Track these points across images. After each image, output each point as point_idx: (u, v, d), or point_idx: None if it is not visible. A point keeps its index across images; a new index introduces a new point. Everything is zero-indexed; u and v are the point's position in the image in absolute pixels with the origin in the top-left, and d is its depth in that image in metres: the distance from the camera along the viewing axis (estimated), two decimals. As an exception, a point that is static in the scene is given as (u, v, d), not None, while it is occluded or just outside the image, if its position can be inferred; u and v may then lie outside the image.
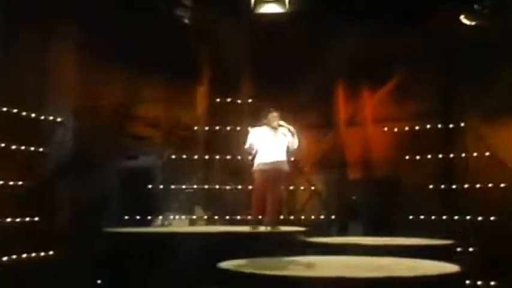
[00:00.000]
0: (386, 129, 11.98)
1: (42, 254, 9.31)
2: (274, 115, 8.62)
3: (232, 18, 10.71)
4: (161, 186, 11.22)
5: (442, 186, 11.35)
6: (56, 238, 9.47)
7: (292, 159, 9.49)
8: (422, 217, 11.15)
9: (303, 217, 11.68)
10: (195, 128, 11.91)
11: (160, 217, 10.12)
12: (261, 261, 6.54)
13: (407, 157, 11.57)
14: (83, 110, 10.25)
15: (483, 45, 10.54)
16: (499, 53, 10.48)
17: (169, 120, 11.71)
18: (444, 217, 10.99)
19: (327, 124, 12.39)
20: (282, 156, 8.54)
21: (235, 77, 11.78)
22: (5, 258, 8.67)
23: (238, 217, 11.01)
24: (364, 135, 12.23)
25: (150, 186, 11.16)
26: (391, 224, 11.05)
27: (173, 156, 11.44)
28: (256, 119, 9.07)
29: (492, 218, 10.63)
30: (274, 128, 8.59)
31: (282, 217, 9.12)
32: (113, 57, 10.26)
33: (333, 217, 11.84)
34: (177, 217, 10.27)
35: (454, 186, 11.25)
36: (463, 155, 11.21)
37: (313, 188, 12.17)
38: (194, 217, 10.85)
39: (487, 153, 10.93)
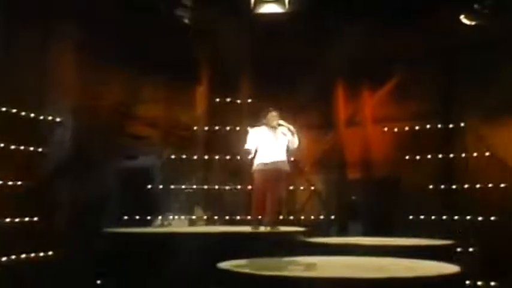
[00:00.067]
0: (386, 129, 11.98)
1: (42, 254, 9.31)
2: (273, 114, 8.60)
3: (232, 18, 10.71)
4: (161, 186, 11.21)
5: (442, 186, 11.34)
6: (55, 238, 9.46)
7: (292, 159, 9.47)
8: (422, 217, 11.14)
9: (302, 217, 11.67)
10: (195, 128, 11.90)
11: (160, 217, 10.10)
12: (260, 261, 6.54)
13: (407, 157, 11.57)
14: (83, 109, 10.24)
15: (483, 45, 10.53)
16: (499, 53, 10.47)
17: (168, 120, 11.70)
18: (444, 217, 10.98)
19: (327, 124, 12.38)
20: (282, 156, 8.52)
21: (234, 76, 11.77)
22: (4, 259, 8.66)
23: (238, 217, 11.00)
24: (364, 135, 12.22)
25: (149, 186, 11.15)
26: (391, 224, 11.04)
27: (173, 156, 11.43)
28: (256, 118, 9.05)
29: (492, 218, 10.62)
30: (274, 128, 8.57)
31: (281, 217, 9.10)
32: (113, 57, 10.25)
33: (333, 217, 11.83)
34: (176, 217, 10.26)
35: (454, 186, 11.24)
36: (463, 155, 11.20)
37: (312, 188, 12.16)
38: (194, 217, 10.84)
39: (487, 153, 10.93)
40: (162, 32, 10.49)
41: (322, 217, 11.87)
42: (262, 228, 8.43)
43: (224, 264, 6.03)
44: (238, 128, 11.51)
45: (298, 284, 5.39)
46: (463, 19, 10.50)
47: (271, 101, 9.74)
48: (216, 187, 11.66)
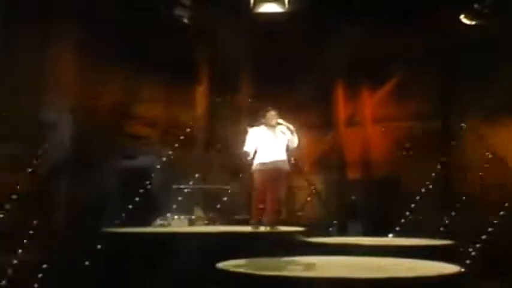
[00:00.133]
0: (385, 129, 11.96)
1: (41, 254, 9.30)
2: (272, 114, 8.55)
3: (231, 17, 10.70)
4: (160, 186, 11.19)
5: (442, 186, 11.33)
6: (54, 238, 9.46)
7: (292, 158, 9.45)
8: (422, 217, 11.12)
9: (302, 217, 11.65)
10: (194, 127, 11.88)
11: (160, 217, 10.07)
12: (260, 261, 6.52)
13: (406, 157, 11.55)
14: (82, 109, 10.24)
15: (483, 44, 10.53)
16: (499, 53, 10.48)
17: (168, 120, 11.69)
18: (444, 217, 10.97)
19: (327, 124, 12.38)
20: (282, 155, 8.48)
21: (234, 76, 11.77)
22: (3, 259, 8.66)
23: (238, 217, 10.98)
24: (364, 135, 12.22)
25: (149, 186, 11.13)
26: (391, 224, 11.03)
27: (172, 156, 11.41)
28: (255, 118, 9.03)
29: (492, 218, 10.61)
30: (273, 127, 8.53)
31: (282, 217, 9.08)
32: (112, 56, 10.24)
33: (333, 217, 11.81)
34: (176, 217, 10.23)
35: (453, 186, 11.23)
36: (463, 155, 11.19)
37: (312, 188, 12.15)
38: (193, 217, 10.81)
39: (487, 153, 10.92)
40: (161, 32, 10.49)
41: (321, 217, 11.86)
42: (262, 228, 8.41)
43: (223, 264, 6.02)
44: (237, 128, 11.48)
45: (298, 284, 5.38)
46: (463, 19, 10.51)
47: (271, 100, 9.73)
48: (216, 187, 11.64)
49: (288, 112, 9.05)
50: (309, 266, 6.29)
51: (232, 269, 5.82)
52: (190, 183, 11.28)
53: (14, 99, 9.33)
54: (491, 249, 10.32)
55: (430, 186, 11.31)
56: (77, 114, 10.23)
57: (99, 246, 8.75)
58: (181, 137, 11.56)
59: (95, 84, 10.38)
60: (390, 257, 6.87)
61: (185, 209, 10.57)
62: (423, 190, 11.25)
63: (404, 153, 11.62)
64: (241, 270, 5.82)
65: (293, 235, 8.63)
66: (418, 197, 11.24)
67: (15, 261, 9.11)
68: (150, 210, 10.40)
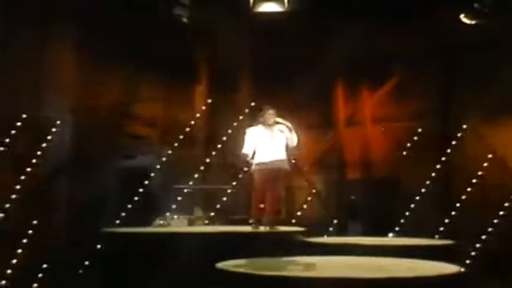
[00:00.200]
0: (385, 129, 11.95)
1: (41, 254, 9.30)
2: (270, 113, 8.51)
3: (230, 17, 10.69)
4: (160, 186, 11.18)
5: (442, 186, 11.32)
6: (54, 238, 9.46)
7: (292, 158, 9.43)
8: (422, 217, 11.11)
9: (302, 217, 11.64)
10: (194, 127, 11.86)
11: (159, 217, 10.05)
12: (259, 261, 6.51)
13: (406, 157, 11.54)
14: (82, 109, 10.25)
15: (483, 44, 10.51)
16: (499, 52, 10.46)
17: (167, 120, 11.68)
18: (444, 217, 10.95)
19: (326, 124, 12.36)
20: (282, 155, 8.43)
21: (234, 76, 11.75)
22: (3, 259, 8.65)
23: (238, 217, 10.96)
24: (364, 135, 12.20)
25: (148, 186, 11.12)
26: (391, 224, 11.02)
27: (171, 156, 11.40)
28: (254, 118, 9.01)
29: (492, 218, 10.60)
30: (271, 126, 8.48)
31: (282, 216, 9.07)
32: (112, 56, 10.25)
33: (332, 217, 11.80)
34: (175, 217, 10.22)
35: (453, 186, 11.22)
36: (463, 155, 11.18)
37: (312, 188, 12.14)
38: (193, 217, 10.80)
39: (487, 153, 10.91)
40: (160, 32, 10.48)
41: (321, 217, 11.84)
42: (261, 228, 8.40)
43: (222, 264, 6.01)
44: (237, 128, 11.48)
45: (298, 284, 5.37)
46: (463, 18, 10.50)
47: (271, 100, 9.71)
48: (216, 187, 11.63)
49: (288, 112, 9.04)
50: (309, 266, 6.28)
51: (232, 269, 5.81)
52: (190, 183, 11.27)
53: (14, 99, 9.32)
54: (491, 249, 10.31)
55: (430, 186, 11.30)
56: (77, 114, 10.23)
57: (98, 246, 8.76)
58: (181, 137, 11.55)
59: (94, 84, 10.39)
60: (390, 257, 6.85)
61: (185, 209, 10.57)
62: (423, 190, 11.23)
63: (404, 153, 11.60)
64: (241, 270, 5.81)
65: (293, 235, 8.63)
66: (418, 197, 11.22)
67: (15, 261, 9.12)
68: (150, 210, 10.39)
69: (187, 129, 11.70)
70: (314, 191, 12.15)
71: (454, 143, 11.32)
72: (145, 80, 11.14)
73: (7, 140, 9.44)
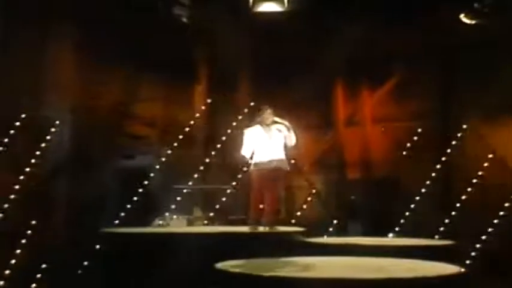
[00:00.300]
0: (385, 128, 11.93)
1: (40, 254, 9.29)
2: (268, 112, 8.47)
3: (230, 16, 10.68)
4: (159, 186, 11.17)
5: (442, 186, 11.30)
6: (54, 238, 9.45)
7: (291, 158, 9.41)
8: (422, 217, 11.10)
9: (301, 217, 11.62)
10: (193, 127, 11.85)
11: (158, 217, 10.05)
12: (258, 261, 6.50)
13: (406, 157, 11.53)
14: (81, 109, 10.24)
15: (483, 43, 10.50)
16: (499, 52, 10.46)
17: (167, 120, 11.67)
18: (444, 217, 10.94)
19: (326, 124, 12.35)
20: (280, 155, 8.39)
21: (233, 75, 11.74)
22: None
23: (237, 217, 10.95)
24: (364, 134, 12.18)
25: (148, 186, 11.11)
26: (391, 224, 11.01)
27: (171, 156, 11.38)
28: (253, 117, 8.98)
29: (492, 218, 10.59)
30: (269, 126, 8.44)
31: (281, 216, 9.05)
32: (111, 56, 10.24)
33: (332, 217, 11.79)
34: (175, 217, 10.21)
35: (453, 186, 11.20)
36: (463, 155, 11.17)
37: (312, 188, 12.12)
38: (192, 217, 10.79)
39: (487, 153, 10.89)
40: (160, 31, 10.48)
41: (321, 217, 11.82)
42: (261, 229, 8.38)
43: (222, 265, 6.00)
44: (236, 128, 11.46)
45: (297, 284, 5.36)
46: (463, 18, 10.49)
47: (270, 100, 9.69)
48: (215, 187, 11.61)
49: (288, 111, 9.02)
50: (309, 267, 6.27)
51: (231, 270, 5.80)
52: (189, 183, 11.26)
53: (14, 99, 9.32)
54: (491, 249, 10.30)
55: (430, 186, 11.29)
56: (76, 114, 10.22)
57: (98, 247, 8.74)
58: (180, 137, 11.54)
59: (93, 83, 10.38)
60: (390, 257, 6.84)
61: (184, 209, 10.56)
62: (423, 190, 11.23)
63: (404, 153, 11.59)
64: (240, 270, 5.81)
65: (292, 235, 8.61)
66: (418, 197, 11.21)
67: (13, 262, 9.11)
68: (149, 210, 10.39)
69: (187, 129, 11.69)
70: (314, 191, 12.13)
71: (454, 143, 11.31)
72: (145, 80, 11.14)
73: (6, 140, 9.43)
